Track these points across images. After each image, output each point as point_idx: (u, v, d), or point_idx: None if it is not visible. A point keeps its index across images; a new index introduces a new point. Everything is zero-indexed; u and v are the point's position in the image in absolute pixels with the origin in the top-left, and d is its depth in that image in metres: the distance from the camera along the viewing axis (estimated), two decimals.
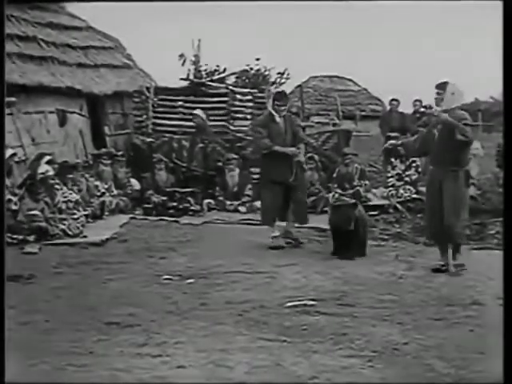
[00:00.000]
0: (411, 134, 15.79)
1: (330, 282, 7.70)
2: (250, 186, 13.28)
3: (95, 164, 13.20)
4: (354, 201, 9.52)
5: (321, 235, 10.35)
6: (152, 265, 8.56)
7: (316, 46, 45.85)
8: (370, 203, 12.50)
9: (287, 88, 26.03)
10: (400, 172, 13.39)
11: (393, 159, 13.74)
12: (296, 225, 10.07)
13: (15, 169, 11.14)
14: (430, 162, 8.72)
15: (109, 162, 13.10)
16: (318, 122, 19.39)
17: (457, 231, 8.26)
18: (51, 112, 14.02)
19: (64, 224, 10.22)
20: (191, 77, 15.98)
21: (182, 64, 16.86)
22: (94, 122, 15.87)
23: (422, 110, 16.60)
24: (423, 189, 13.04)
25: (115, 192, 12.65)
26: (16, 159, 11.39)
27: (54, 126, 14.06)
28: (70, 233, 10.17)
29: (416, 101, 16.62)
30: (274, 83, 22.37)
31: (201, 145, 14.00)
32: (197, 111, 14.32)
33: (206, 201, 12.98)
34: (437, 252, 8.49)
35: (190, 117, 14.61)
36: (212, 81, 16.07)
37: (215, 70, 20.01)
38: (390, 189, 13.05)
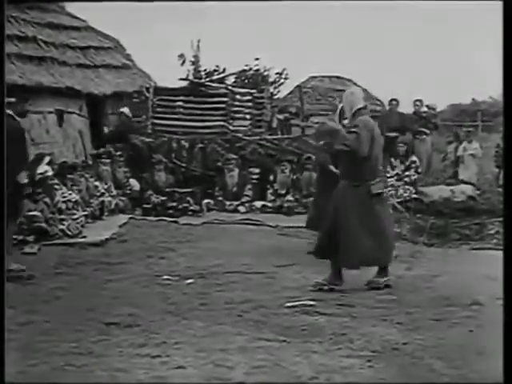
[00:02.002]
0: (411, 133, 15.85)
1: None
2: (249, 186, 13.28)
3: (95, 164, 13.21)
4: None
5: None
6: (151, 265, 8.56)
7: (316, 46, 45.79)
8: None
9: (286, 88, 26.07)
10: (399, 172, 13.40)
11: (392, 159, 13.75)
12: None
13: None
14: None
15: (108, 162, 13.10)
16: (317, 122, 19.38)
17: (358, 251, 7.33)
18: (50, 112, 14.02)
19: (63, 224, 10.22)
20: (190, 77, 16.02)
21: (182, 64, 16.90)
22: (94, 123, 15.87)
23: (424, 109, 16.63)
24: (423, 189, 13.12)
25: (114, 192, 12.65)
26: None
27: (53, 126, 14.06)
28: (69, 233, 10.16)
29: (417, 101, 16.60)
30: (272, 83, 22.39)
31: (200, 145, 14.01)
32: (123, 109, 14.58)
33: (206, 201, 12.99)
34: (436, 252, 8.49)
35: (190, 117, 14.64)
36: (211, 81, 16.10)
37: (214, 71, 20.05)
38: (390, 189, 13.04)
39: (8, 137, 7.70)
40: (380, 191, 7.42)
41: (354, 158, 7.31)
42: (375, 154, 7.40)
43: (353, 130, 7.30)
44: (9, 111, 8.53)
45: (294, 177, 13.38)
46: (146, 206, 12.55)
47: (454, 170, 15.07)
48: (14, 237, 9.50)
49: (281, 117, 18.29)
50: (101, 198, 12.15)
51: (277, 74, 22.78)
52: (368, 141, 7.29)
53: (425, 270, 8.33)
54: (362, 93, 7.73)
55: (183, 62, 16.91)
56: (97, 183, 12.51)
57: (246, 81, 20.50)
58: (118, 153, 13.57)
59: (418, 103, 16.55)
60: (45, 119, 13.81)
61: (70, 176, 11.62)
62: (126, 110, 14.94)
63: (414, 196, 12.79)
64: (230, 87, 15.63)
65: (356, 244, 7.29)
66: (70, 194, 11.10)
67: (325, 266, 8.36)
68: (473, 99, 34.13)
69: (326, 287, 7.35)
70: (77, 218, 10.58)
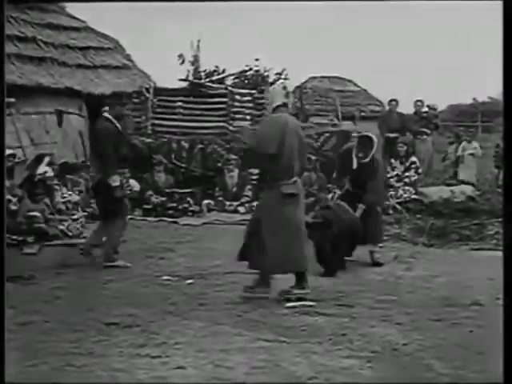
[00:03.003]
0: (412, 134, 15.86)
1: (329, 283, 7.70)
2: (249, 186, 13.28)
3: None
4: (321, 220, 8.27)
5: None
6: (151, 265, 8.56)
7: (316, 47, 45.84)
8: None
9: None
10: (399, 173, 13.39)
11: (392, 160, 13.75)
12: None
13: (15, 169, 11.13)
14: None
15: None
16: (317, 123, 19.39)
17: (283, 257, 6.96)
18: (50, 113, 14.03)
19: (63, 225, 10.22)
20: (190, 77, 16.00)
21: (181, 63, 16.90)
22: (93, 123, 15.85)
23: (425, 110, 16.64)
24: (423, 190, 13.12)
25: None
26: (16, 160, 11.39)
27: (53, 126, 14.07)
28: (69, 233, 10.17)
29: (417, 101, 16.61)
30: (272, 84, 22.40)
31: (200, 145, 14.02)
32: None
33: (206, 201, 12.99)
34: (436, 253, 8.50)
35: (190, 118, 14.64)
36: (211, 81, 16.10)
37: (214, 71, 20.04)
38: (390, 189, 13.05)
39: (106, 139, 7.69)
40: (292, 192, 6.92)
41: (260, 158, 7.08)
42: (287, 152, 6.89)
43: (250, 128, 7.16)
44: (106, 114, 8.64)
45: None
46: (145, 206, 12.55)
47: (455, 170, 15.09)
48: (14, 237, 9.53)
49: None
50: None
51: (276, 74, 22.77)
52: (273, 139, 6.87)
53: (425, 271, 8.33)
54: (283, 90, 7.28)
55: (182, 61, 16.91)
56: None
57: (246, 81, 20.50)
58: None
59: (418, 103, 16.56)
60: (44, 120, 13.82)
61: (70, 176, 11.62)
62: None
63: (414, 197, 12.79)
64: (229, 88, 15.63)
65: (265, 247, 6.90)
66: (70, 195, 11.11)
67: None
68: (473, 99, 34.17)
69: (251, 294, 7.00)
70: (77, 219, 10.59)
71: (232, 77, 19.40)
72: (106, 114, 8.70)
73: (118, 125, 8.55)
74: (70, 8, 17.15)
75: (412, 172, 13.38)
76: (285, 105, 7.11)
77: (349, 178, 9.00)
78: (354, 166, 8.73)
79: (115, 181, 8.46)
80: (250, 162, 7.46)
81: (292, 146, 6.93)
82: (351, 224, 8.38)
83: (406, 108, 17.16)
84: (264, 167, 7.16)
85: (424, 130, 15.79)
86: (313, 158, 13.61)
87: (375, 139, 8.86)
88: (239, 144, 9.69)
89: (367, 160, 8.74)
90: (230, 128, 14.64)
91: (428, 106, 16.68)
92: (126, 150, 8.89)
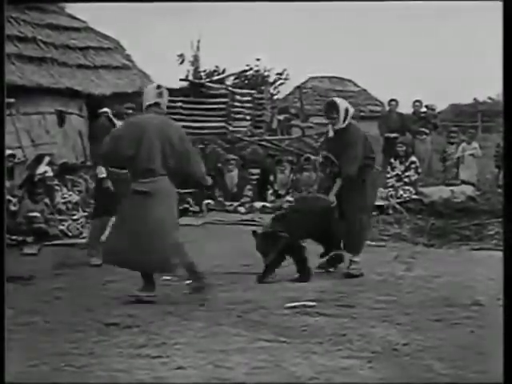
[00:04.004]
0: (411, 134, 15.87)
1: (330, 283, 7.70)
2: (249, 186, 13.28)
3: (94, 165, 13.19)
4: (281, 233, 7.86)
5: None
6: None
7: (316, 47, 45.83)
8: None
9: (286, 89, 26.13)
10: (399, 173, 13.40)
11: (392, 160, 13.76)
12: None
13: (15, 170, 11.14)
14: None
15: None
16: (317, 123, 19.40)
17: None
18: (50, 113, 14.03)
19: (63, 225, 10.23)
20: (190, 77, 16.00)
21: (181, 63, 16.89)
22: (93, 123, 15.87)
23: (423, 110, 16.66)
24: (423, 189, 13.13)
25: None
26: (16, 160, 11.39)
27: (53, 126, 14.08)
28: (69, 234, 10.18)
29: (416, 101, 16.63)
30: (272, 84, 22.41)
31: (200, 145, 14.02)
32: (104, 109, 14.64)
33: (206, 201, 12.99)
34: (436, 253, 8.49)
35: (190, 118, 14.65)
36: (211, 81, 16.11)
37: (214, 71, 20.05)
38: (390, 189, 13.05)
39: (102, 137, 7.68)
40: (143, 190, 6.80)
41: (116, 159, 7.09)
42: (145, 153, 6.82)
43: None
44: (107, 112, 8.71)
45: (294, 177, 13.39)
46: None
47: (456, 170, 15.10)
48: (14, 237, 9.53)
49: (281, 117, 18.32)
50: None
51: (277, 74, 22.82)
52: (128, 141, 6.85)
53: (425, 271, 8.33)
54: (156, 89, 7.20)
55: (182, 61, 16.91)
56: None
57: (246, 81, 20.52)
58: None
59: (417, 103, 16.60)
60: (45, 120, 13.83)
61: (69, 177, 11.62)
62: (107, 110, 14.94)
63: (414, 196, 12.80)
64: (230, 88, 15.67)
65: (113, 242, 6.99)
66: (70, 195, 11.11)
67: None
68: (473, 99, 34.16)
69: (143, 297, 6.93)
70: (77, 219, 10.59)
71: (232, 77, 19.41)
72: (105, 111, 8.72)
73: (116, 123, 8.56)
74: (70, 8, 17.18)
75: (412, 172, 13.38)
76: (156, 104, 7.07)
77: (326, 149, 8.43)
78: (331, 134, 8.30)
79: (102, 172, 8.50)
80: (108, 162, 7.59)
81: (151, 146, 6.83)
82: (313, 228, 8.00)
83: (406, 108, 17.21)
84: (124, 167, 7.32)
85: (423, 129, 15.80)
86: (312, 157, 13.61)
87: (339, 102, 8.26)
88: None
89: (343, 126, 8.14)
90: (230, 128, 14.65)
91: (426, 106, 16.72)
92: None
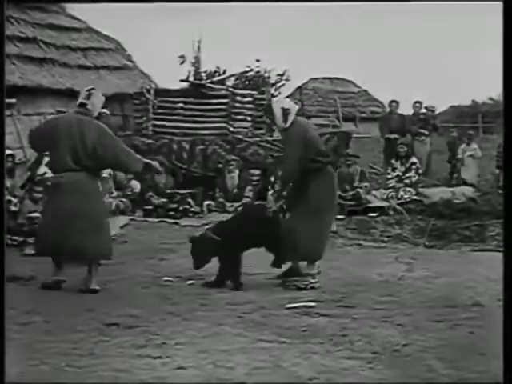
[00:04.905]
0: (410, 135, 15.87)
1: (330, 283, 7.70)
2: (249, 187, 13.28)
3: None
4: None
5: None
6: (152, 266, 8.56)
7: (317, 48, 45.91)
8: (370, 205, 12.52)
9: (287, 90, 26.11)
10: (400, 174, 13.40)
11: (393, 161, 13.76)
12: None
13: (16, 170, 11.13)
14: None
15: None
16: (317, 124, 19.41)
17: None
18: (51, 113, 14.01)
19: None
20: (191, 78, 15.98)
21: (181, 63, 16.87)
22: None
23: (423, 111, 16.66)
24: (423, 190, 13.13)
25: (115, 193, 12.64)
26: (17, 161, 11.39)
27: None
28: None
29: (416, 102, 16.64)
30: (273, 85, 22.42)
31: (201, 146, 14.03)
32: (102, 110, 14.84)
33: (206, 202, 12.99)
34: (437, 254, 8.49)
35: (191, 118, 14.65)
36: (212, 82, 16.09)
37: (215, 72, 20.05)
38: (390, 190, 13.06)
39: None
40: (55, 182, 7.36)
41: (39, 154, 8.05)
42: (56, 150, 7.33)
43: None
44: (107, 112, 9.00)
45: None
46: (146, 207, 12.56)
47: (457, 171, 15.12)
48: (15, 238, 9.52)
49: None
50: None
51: (278, 75, 22.80)
52: (43, 138, 7.47)
53: (425, 272, 8.33)
54: (85, 91, 7.75)
55: (183, 62, 16.89)
56: None
57: (247, 82, 20.51)
58: None
59: (417, 105, 16.61)
60: None
61: None
62: (105, 110, 15.06)
63: (415, 197, 12.80)
64: (230, 88, 15.64)
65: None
66: None
67: (324, 267, 8.36)
68: (473, 100, 34.18)
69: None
70: None
71: (233, 78, 19.40)
72: (105, 112, 8.84)
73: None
74: (70, 8, 17.18)
75: (412, 173, 13.39)
76: (83, 105, 7.61)
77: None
78: (275, 135, 8.17)
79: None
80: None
81: (62, 143, 7.29)
82: (256, 236, 7.67)
83: (407, 109, 17.22)
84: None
85: (422, 131, 15.80)
86: None
87: (274, 102, 7.87)
88: None
89: (286, 126, 7.67)
90: (231, 129, 14.65)
91: (426, 108, 16.72)
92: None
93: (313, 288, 7.48)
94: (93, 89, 7.72)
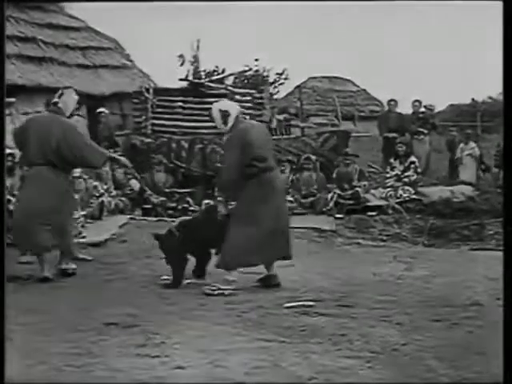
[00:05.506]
0: (409, 134, 15.86)
1: (329, 283, 7.70)
2: None
3: None
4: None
5: (320, 236, 10.35)
6: (151, 265, 8.55)
7: (316, 47, 45.85)
8: (369, 204, 12.52)
9: (286, 88, 26.14)
10: (399, 173, 13.40)
11: (392, 160, 13.76)
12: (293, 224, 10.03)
13: (15, 170, 11.12)
14: None
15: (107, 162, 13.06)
16: (316, 123, 19.42)
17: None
18: None
19: None
20: (190, 77, 15.99)
21: (181, 64, 16.88)
22: (93, 123, 15.87)
23: (422, 110, 16.65)
24: (422, 189, 13.13)
25: (114, 193, 12.63)
26: (16, 160, 11.37)
27: None
28: None
29: (415, 101, 16.63)
30: (272, 84, 22.42)
31: (200, 145, 14.02)
32: (101, 109, 15.14)
33: (205, 201, 12.97)
34: (436, 253, 8.48)
35: (190, 117, 14.64)
36: (211, 81, 16.09)
37: (214, 71, 20.06)
38: (389, 189, 13.04)
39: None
40: (23, 175, 8.46)
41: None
42: (27, 146, 7.84)
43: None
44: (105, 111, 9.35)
45: (294, 177, 13.38)
46: (145, 206, 12.55)
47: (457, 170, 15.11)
48: None
49: (280, 117, 18.30)
50: (100, 199, 12.13)
51: (277, 74, 22.82)
52: (17, 136, 8.08)
53: (424, 271, 8.33)
54: (59, 91, 8.11)
55: (182, 62, 16.90)
56: (96, 183, 12.49)
57: (246, 81, 20.52)
58: (118, 153, 13.55)
59: (416, 103, 16.60)
60: None
61: None
62: (103, 110, 15.18)
63: (414, 196, 12.79)
64: (229, 87, 15.64)
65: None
66: None
67: (324, 267, 8.38)
68: (472, 99, 34.13)
69: None
70: (76, 219, 10.56)
71: (232, 77, 19.41)
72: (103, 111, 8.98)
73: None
74: (69, 8, 17.17)
75: (411, 172, 13.38)
76: (55, 104, 7.96)
77: None
78: (224, 138, 7.79)
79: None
80: None
81: (31, 140, 7.79)
82: (211, 239, 7.60)
83: (406, 108, 17.21)
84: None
85: (421, 129, 15.79)
86: (313, 157, 13.61)
87: (213, 105, 7.73)
88: None
89: (227, 129, 7.51)
90: None
91: (425, 107, 16.71)
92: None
93: (222, 295, 7.09)
94: (66, 88, 8.21)
